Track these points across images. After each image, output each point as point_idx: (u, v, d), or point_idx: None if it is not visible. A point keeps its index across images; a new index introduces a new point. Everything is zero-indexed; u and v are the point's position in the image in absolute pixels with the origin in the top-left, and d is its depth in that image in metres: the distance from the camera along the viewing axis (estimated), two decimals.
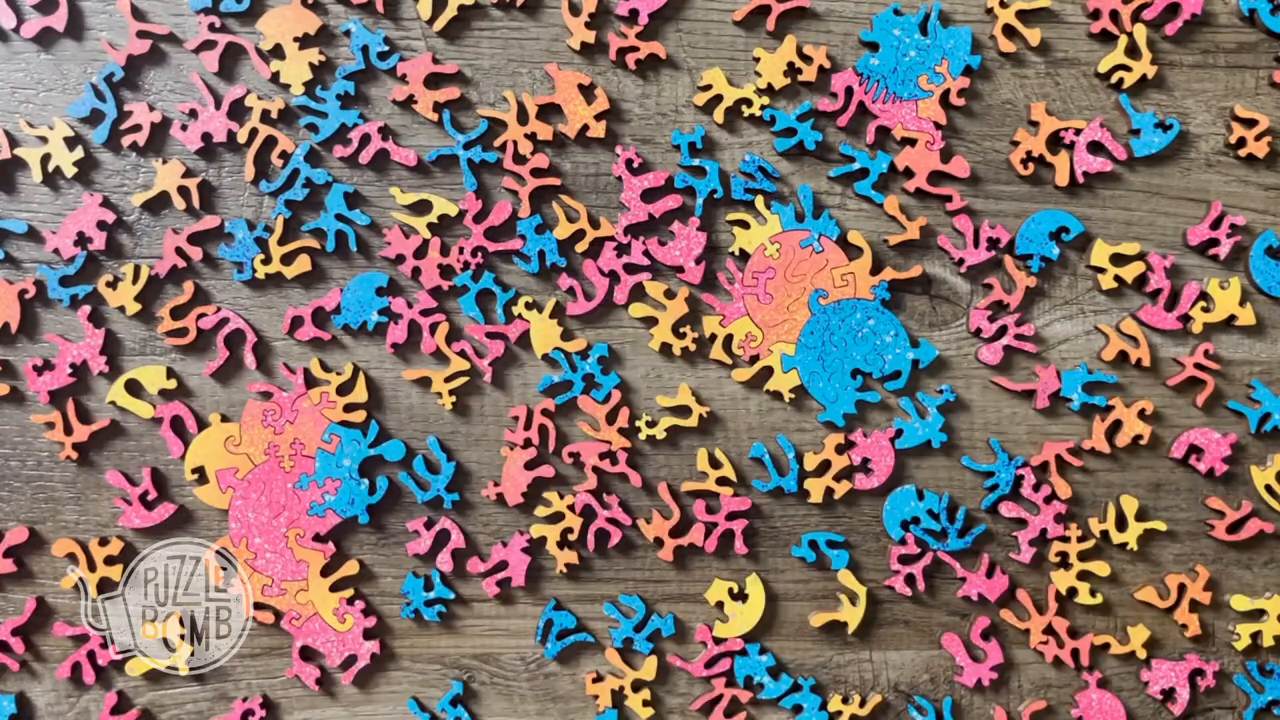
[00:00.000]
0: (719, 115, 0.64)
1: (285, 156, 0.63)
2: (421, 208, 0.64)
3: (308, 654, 0.64)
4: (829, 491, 0.65)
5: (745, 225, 0.64)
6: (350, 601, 0.63)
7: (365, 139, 0.63)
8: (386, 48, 0.63)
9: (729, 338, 0.64)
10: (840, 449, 0.65)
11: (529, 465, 0.64)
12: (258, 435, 0.63)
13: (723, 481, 0.64)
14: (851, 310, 0.64)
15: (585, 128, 0.64)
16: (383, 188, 0.64)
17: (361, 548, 0.64)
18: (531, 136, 0.64)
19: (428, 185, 0.64)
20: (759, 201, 0.64)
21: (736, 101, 0.64)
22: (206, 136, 0.62)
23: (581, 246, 0.64)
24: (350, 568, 0.63)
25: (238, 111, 0.63)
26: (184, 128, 0.63)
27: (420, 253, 0.63)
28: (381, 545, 0.64)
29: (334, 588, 0.63)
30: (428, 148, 0.64)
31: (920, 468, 0.65)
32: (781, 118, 0.64)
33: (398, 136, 0.64)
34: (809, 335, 0.64)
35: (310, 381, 0.63)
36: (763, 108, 0.64)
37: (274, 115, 0.63)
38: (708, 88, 0.64)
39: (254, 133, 0.63)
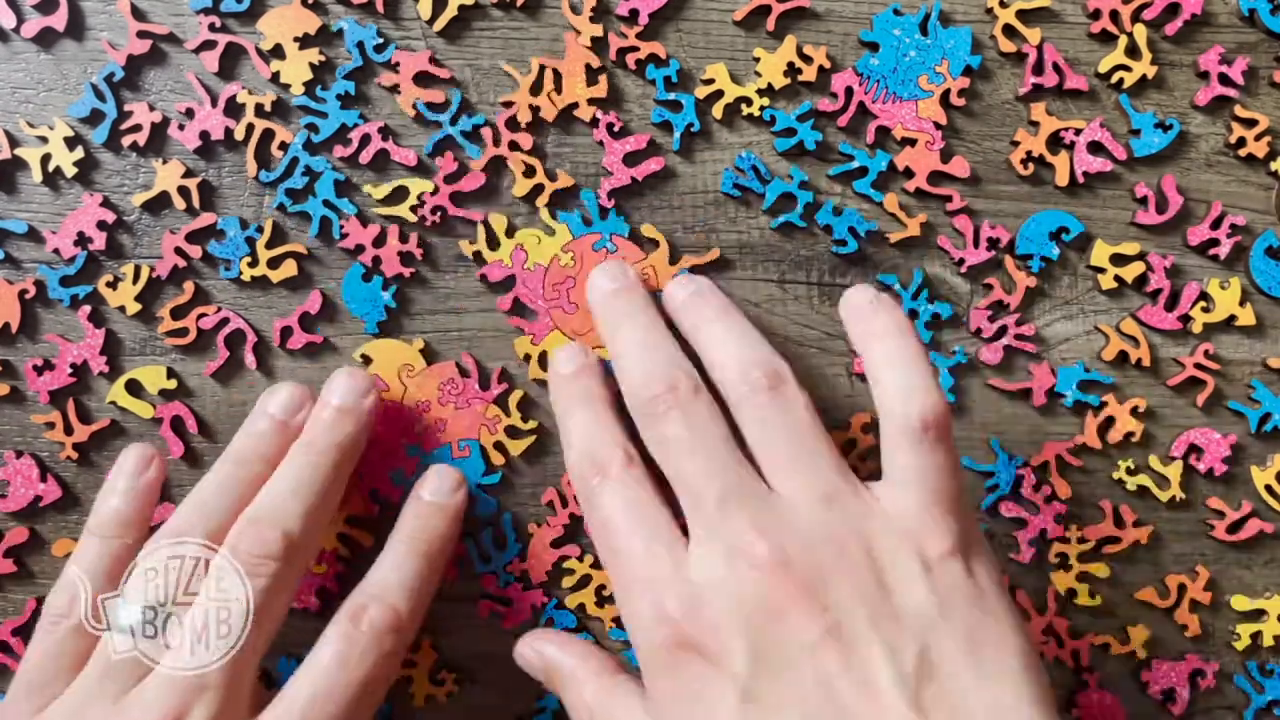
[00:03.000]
0: (718, 111, 0.64)
1: (285, 148, 0.63)
2: (400, 195, 0.64)
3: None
4: None
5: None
6: None
7: (365, 139, 0.63)
8: (381, 40, 0.63)
9: (544, 355, 0.64)
10: (865, 428, 0.64)
11: (555, 544, 0.64)
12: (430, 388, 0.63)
13: None
14: (657, 302, 0.64)
15: (574, 105, 0.64)
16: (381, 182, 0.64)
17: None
18: (535, 110, 0.64)
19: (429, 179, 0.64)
20: (544, 213, 0.64)
21: (736, 99, 0.64)
22: (204, 135, 0.62)
23: (541, 200, 0.64)
24: None
25: (234, 109, 0.63)
26: (181, 127, 0.63)
27: (379, 240, 0.63)
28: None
29: None
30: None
31: None
32: (781, 118, 0.64)
33: (398, 136, 0.64)
34: None
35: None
36: (762, 108, 0.64)
37: (268, 109, 0.63)
38: (710, 81, 0.64)
39: (251, 128, 0.63)
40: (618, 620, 0.64)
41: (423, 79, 0.64)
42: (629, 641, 0.64)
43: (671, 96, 0.64)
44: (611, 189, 0.64)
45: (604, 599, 0.64)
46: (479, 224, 0.64)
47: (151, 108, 0.63)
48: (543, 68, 0.64)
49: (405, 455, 0.63)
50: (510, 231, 0.64)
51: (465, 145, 0.64)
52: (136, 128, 0.63)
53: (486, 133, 0.64)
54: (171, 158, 0.63)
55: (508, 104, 0.63)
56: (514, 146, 0.64)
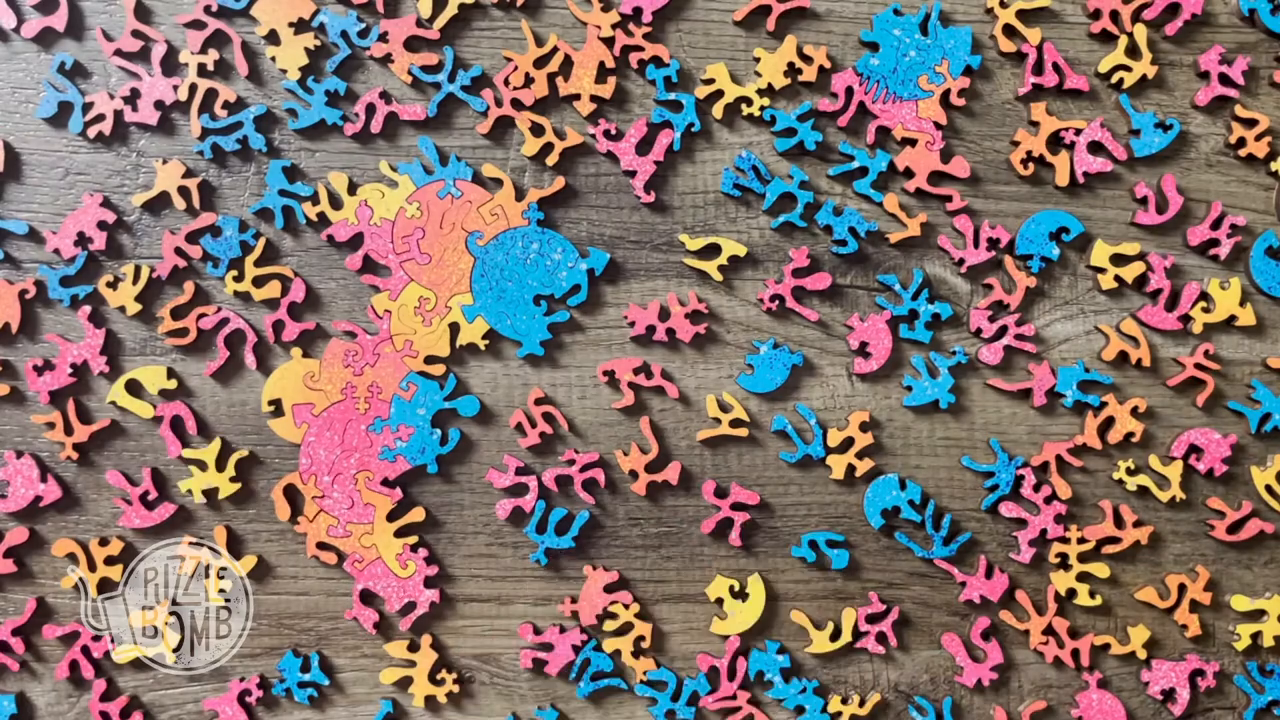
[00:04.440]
0: (718, 111, 0.64)
1: (229, 106, 0.63)
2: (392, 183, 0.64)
3: (367, 598, 0.64)
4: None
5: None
6: (414, 549, 0.64)
7: (371, 108, 0.63)
8: (363, 25, 0.63)
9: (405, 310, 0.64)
10: (864, 426, 0.65)
11: (609, 589, 0.64)
12: (337, 374, 0.63)
13: (737, 424, 0.64)
14: (512, 241, 0.64)
15: (576, 95, 0.64)
16: (378, 153, 0.64)
17: (427, 496, 0.64)
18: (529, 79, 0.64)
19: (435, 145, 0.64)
20: (383, 165, 0.64)
21: (736, 99, 0.64)
22: (159, 104, 0.63)
23: (552, 159, 0.64)
24: (416, 514, 0.64)
25: (172, 66, 0.63)
26: (135, 108, 0.62)
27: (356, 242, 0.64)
28: (448, 495, 0.64)
29: (398, 534, 0.64)
30: (416, 137, 0.64)
31: (921, 468, 0.65)
32: (781, 118, 0.64)
33: (399, 100, 0.64)
34: (480, 279, 0.64)
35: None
36: (762, 108, 0.64)
37: (210, 68, 0.63)
38: (710, 81, 0.64)
39: (194, 88, 0.63)
40: (647, 675, 0.65)
41: (413, 44, 0.64)
42: (654, 699, 0.64)
43: (671, 96, 0.64)
44: (646, 182, 0.64)
45: (641, 651, 0.65)
46: (320, 186, 0.63)
47: (111, 95, 0.63)
48: (556, 49, 0.64)
49: (375, 434, 0.64)
50: (352, 189, 0.64)
51: (469, 100, 0.64)
52: (100, 118, 0.63)
53: (487, 94, 0.64)
54: (172, 158, 0.63)
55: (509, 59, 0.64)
56: (517, 105, 0.64)
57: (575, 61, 0.64)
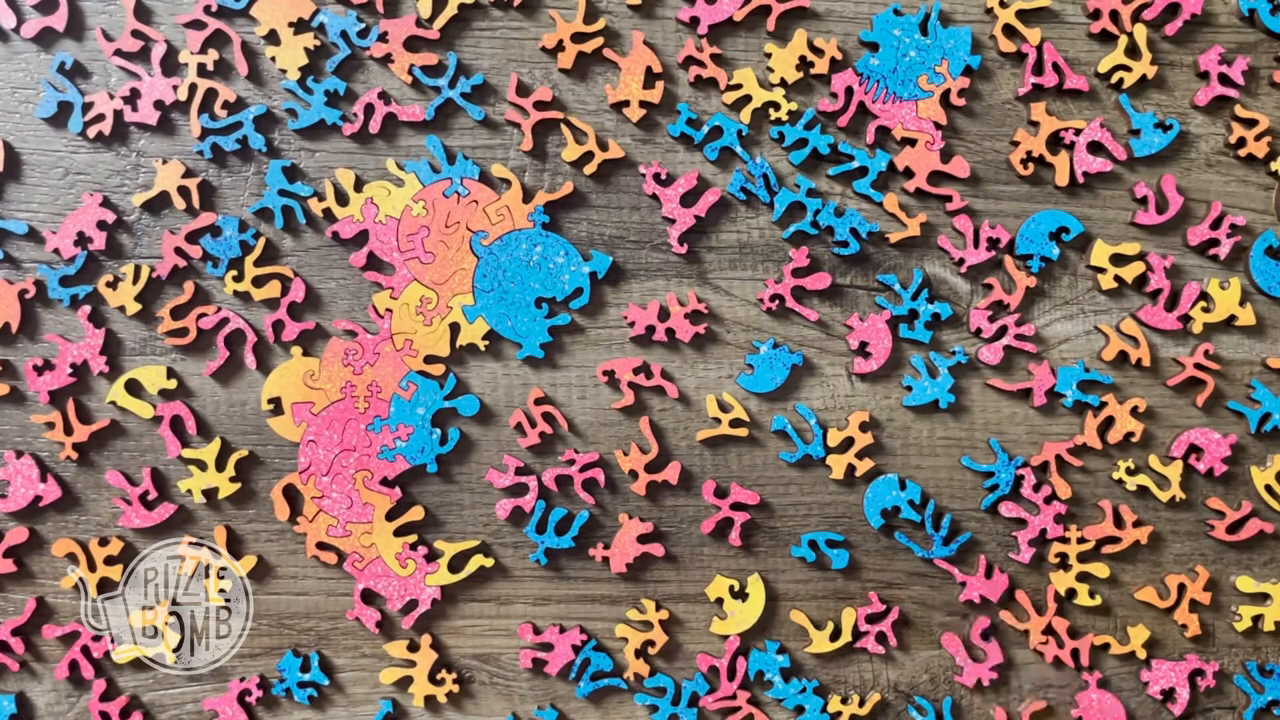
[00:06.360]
0: (746, 115, 0.64)
1: (229, 106, 0.63)
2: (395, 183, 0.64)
3: (369, 598, 0.64)
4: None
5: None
6: (414, 547, 0.64)
7: (370, 109, 0.63)
8: (362, 25, 0.63)
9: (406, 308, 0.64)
10: (864, 426, 0.65)
11: (643, 539, 0.64)
12: (337, 373, 0.63)
13: (736, 424, 0.65)
14: (516, 242, 0.64)
15: (625, 102, 0.64)
16: (381, 152, 0.64)
17: (427, 496, 0.64)
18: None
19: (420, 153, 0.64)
20: (390, 163, 0.64)
21: (765, 104, 0.64)
22: (159, 104, 0.63)
23: (590, 168, 0.64)
24: (416, 513, 0.64)
25: (172, 66, 0.63)
26: (135, 108, 0.63)
27: (361, 239, 0.64)
28: (447, 495, 0.64)
29: (398, 532, 0.64)
30: (416, 137, 0.64)
31: (921, 468, 0.65)
32: (790, 131, 0.64)
33: (399, 100, 0.64)
34: (482, 279, 0.64)
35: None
36: (790, 113, 0.64)
37: (210, 68, 0.63)
38: (737, 87, 0.64)
39: (194, 88, 0.63)
40: (645, 683, 0.65)
41: (413, 44, 0.64)
42: (655, 705, 0.64)
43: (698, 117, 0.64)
44: (680, 234, 0.64)
45: (645, 654, 0.65)
46: (326, 182, 0.63)
47: (111, 95, 0.63)
48: (602, 30, 0.64)
49: (374, 433, 0.63)
50: (359, 186, 0.64)
51: (467, 107, 0.64)
52: (100, 117, 0.63)
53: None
54: (172, 158, 0.63)
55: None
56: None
57: (624, 66, 0.64)
